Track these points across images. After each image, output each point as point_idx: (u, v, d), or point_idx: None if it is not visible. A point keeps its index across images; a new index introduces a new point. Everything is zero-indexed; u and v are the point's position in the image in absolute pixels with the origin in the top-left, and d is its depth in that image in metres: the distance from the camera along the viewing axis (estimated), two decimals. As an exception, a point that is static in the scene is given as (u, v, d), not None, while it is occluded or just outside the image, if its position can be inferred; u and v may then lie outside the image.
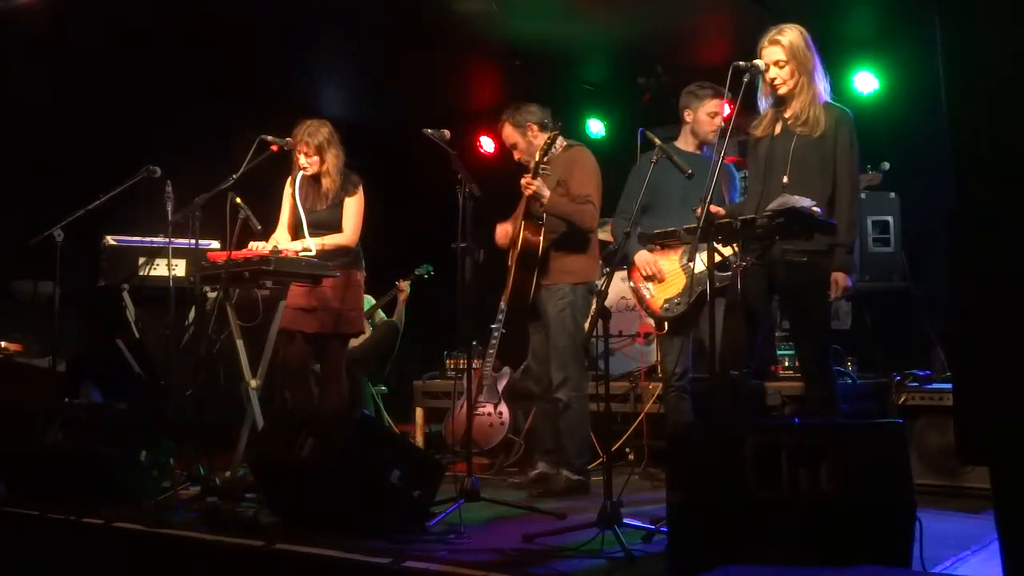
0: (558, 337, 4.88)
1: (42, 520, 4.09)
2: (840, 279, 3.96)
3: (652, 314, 4.81)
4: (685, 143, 4.94)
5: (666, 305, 4.72)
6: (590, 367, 6.01)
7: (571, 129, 7.59)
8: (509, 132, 5.09)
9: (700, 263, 4.45)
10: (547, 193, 4.77)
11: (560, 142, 4.93)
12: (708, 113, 4.86)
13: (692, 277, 4.60)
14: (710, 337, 3.73)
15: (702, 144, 4.92)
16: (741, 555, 2.87)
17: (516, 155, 5.11)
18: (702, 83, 4.92)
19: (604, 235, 5.44)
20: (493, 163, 7.66)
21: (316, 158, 5.10)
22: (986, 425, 2.49)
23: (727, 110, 4.78)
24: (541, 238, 4.86)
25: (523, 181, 4.73)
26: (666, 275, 4.72)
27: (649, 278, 4.76)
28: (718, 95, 4.84)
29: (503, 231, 5.09)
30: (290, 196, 5.20)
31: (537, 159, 4.76)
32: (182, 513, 4.10)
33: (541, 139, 4.94)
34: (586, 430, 4.98)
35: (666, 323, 4.75)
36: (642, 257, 4.77)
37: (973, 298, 2.51)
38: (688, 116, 4.91)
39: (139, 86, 6.57)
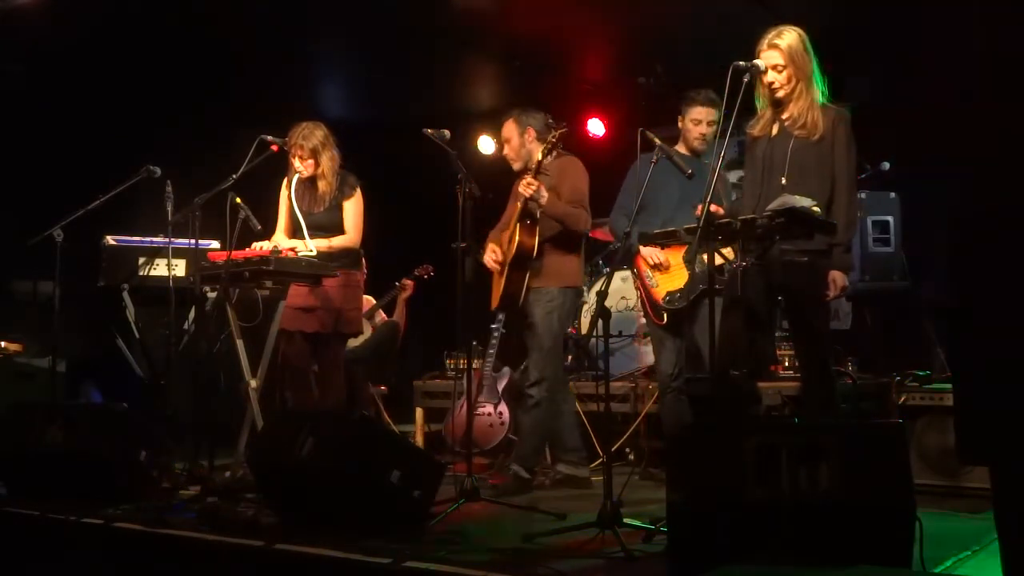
0: (543, 338, 4.91)
1: (42, 520, 4.08)
2: (838, 279, 3.96)
3: (654, 303, 4.81)
4: (681, 146, 4.94)
5: (668, 297, 4.74)
6: (590, 367, 6.00)
7: (571, 129, 7.59)
8: (511, 128, 5.08)
9: (700, 262, 4.44)
10: (546, 194, 4.78)
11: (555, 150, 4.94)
12: (692, 120, 4.84)
13: (693, 275, 4.61)
14: (709, 337, 3.73)
15: (691, 150, 4.89)
16: (741, 555, 2.87)
17: (505, 151, 5.12)
18: (697, 89, 4.86)
19: (601, 234, 5.45)
20: (493, 163, 7.64)
21: (311, 161, 5.09)
22: (986, 425, 2.50)
23: (713, 116, 4.78)
24: (536, 240, 4.87)
25: (525, 180, 4.74)
26: (672, 265, 4.75)
27: (656, 267, 4.79)
28: (704, 103, 4.80)
29: (491, 250, 5.05)
30: (286, 199, 5.20)
31: (540, 158, 4.76)
32: (182, 513, 4.09)
33: (535, 145, 4.96)
34: (545, 433, 5.04)
35: (665, 315, 4.76)
36: (648, 248, 4.79)
37: (973, 298, 2.51)
38: (679, 122, 4.92)
39: (139, 86, 6.58)
